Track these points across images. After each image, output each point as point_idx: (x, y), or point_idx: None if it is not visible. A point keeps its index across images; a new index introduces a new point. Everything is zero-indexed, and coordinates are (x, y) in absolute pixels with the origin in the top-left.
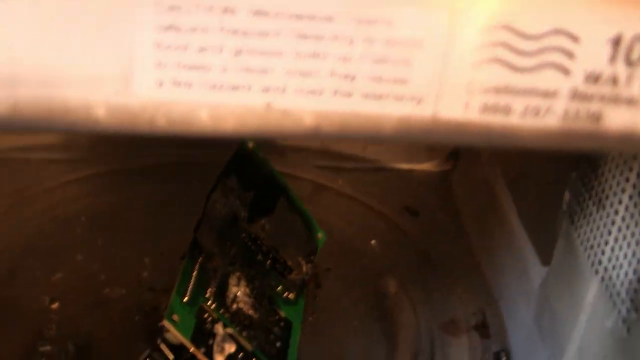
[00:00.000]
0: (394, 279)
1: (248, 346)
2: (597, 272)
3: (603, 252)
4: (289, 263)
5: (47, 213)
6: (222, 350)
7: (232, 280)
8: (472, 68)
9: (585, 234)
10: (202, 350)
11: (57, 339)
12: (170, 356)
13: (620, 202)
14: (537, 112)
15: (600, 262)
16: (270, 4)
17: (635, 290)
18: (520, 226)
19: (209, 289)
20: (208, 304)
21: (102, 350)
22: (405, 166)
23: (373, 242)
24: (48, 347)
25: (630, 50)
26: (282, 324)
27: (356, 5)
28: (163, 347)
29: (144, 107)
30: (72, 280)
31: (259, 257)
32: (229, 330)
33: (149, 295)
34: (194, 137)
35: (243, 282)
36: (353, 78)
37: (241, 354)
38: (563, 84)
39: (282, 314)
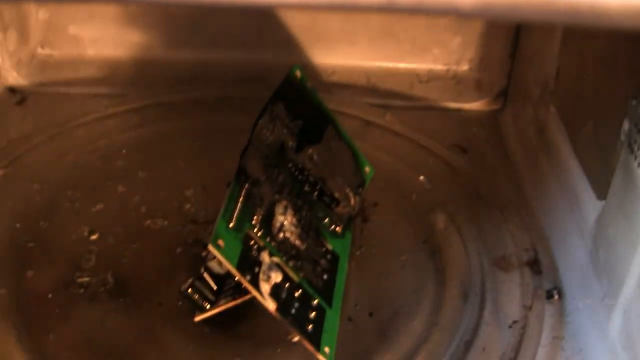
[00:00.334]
0: (443, 214)
1: (295, 277)
2: None
3: None
4: (337, 195)
5: (87, 146)
6: (268, 278)
7: (279, 209)
8: None
9: None
10: (248, 277)
11: (96, 270)
12: (214, 285)
13: None
14: None
15: None
16: None
17: None
18: (575, 161)
19: (255, 217)
20: (254, 231)
21: (142, 282)
22: (453, 105)
23: (422, 178)
24: (86, 278)
25: None
26: (329, 256)
27: None
28: (206, 275)
29: None
30: (113, 212)
31: (306, 188)
32: (275, 259)
33: (191, 227)
34: None
35: (290, 212)
36: None
37: (287, 284)
38: None
39: (329, 246)
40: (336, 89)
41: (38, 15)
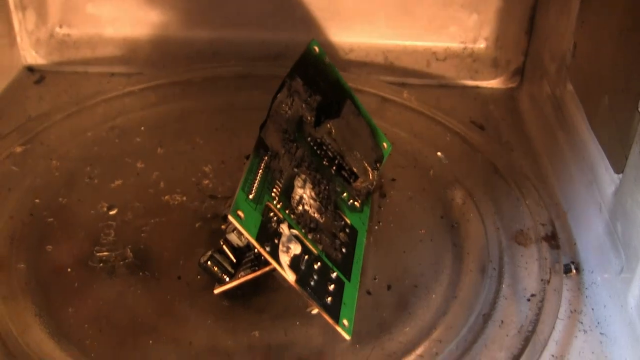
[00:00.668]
0: (461, 189)
1: (314, 249)
2: None
3: None
4: (355, 170)
5: (106, 123)
6: (287, 250)
7: (298, 182)
8: None
9: None
10: (267, 248)
11: (115, 245)
12: (233, 258)
13: None
14: None
15: None
16: None
17: None
18: (591, 135)
19: (275, 189)
20: (274, 203)
21: (161, 257)
22: (470, 82)
23: (439, 154)
24: (105, 253)
25: None
26: (347, 230)
27: None
28: (225, 248)
29: None
30: (131, 188)
31: (325, 162)
32: (295, 231)
33: (209, 202)
34: None
35: (309, 185)
36: None
37: (306, 256)
38: None
39: (348, 220)
40: (354, 67)
41: None
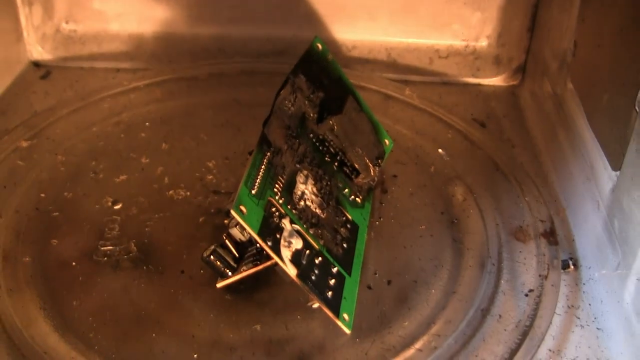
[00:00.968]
0: (461, 186)
1: (315, 244)
2: None
3: None
4: (357, 166)
5: (111, 118)
6: (289, 244)
7: (300, 178)
8: None
9: None
10: (269, 243)
11: (119, 239)
12: (235, 252)
13: None
14: None
15: None
16: None
17: None
18: (590, 133)
19: (277, 185)
20: (276, 198)
21: (165, 251)
22: (472, 80)
23: (440, 150)
24: (110, 247)
25: None
26: (349, 225)
27: None
28: (228, 242)
29: None
30: (136, 183)
31: (327, 158)
32: (296, 226)
33: (213, 197)
34: None
35: (311, 181)
36: None
37: (308, 251)
38: None
39: (349, 216)
40: (357, 64)
41: None
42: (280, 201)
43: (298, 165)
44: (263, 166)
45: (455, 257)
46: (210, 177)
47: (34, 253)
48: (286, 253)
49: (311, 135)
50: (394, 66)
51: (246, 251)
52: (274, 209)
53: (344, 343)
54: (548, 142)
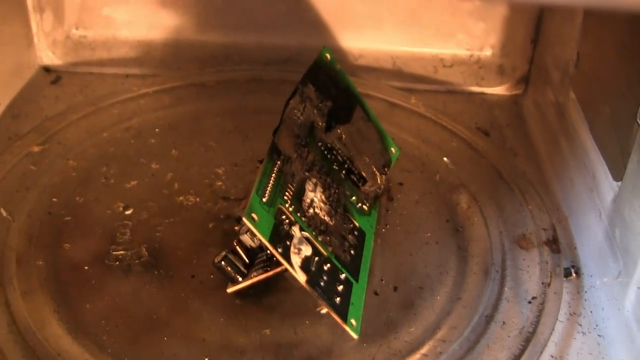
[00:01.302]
0: (466, 194)
1: (324, 251)
2: None
3: None
4: (364, 174)
5: (121, 124)
6: (299, 251)
7: (309, 186)
8: None
9: None
10: (280, 250)
11: (130, 243)
12: (246, 258)
13: None
14: None
15: None
16: None
17: None
18: (592, 144)
19: (287, 193)
20: (286, 206)
21: (175, 255)
22: (476, 89)
23: (445, 159)
24: (122, 252)
25: None
26: (356, 233)
27: None
28: (239, 249)
29: None
30: (146, 188)
31: (335, 166)
32: (306, 233)
33: (222, 204)
34: None
35: (319, 189)
36: None
37: (317, 258)
38: None
39: (356, 223)
40: (363, 72)
41: None
42: (290, 209)
43: (307, 174)
44: (273, 174)
45: (460, 265)
46: (220, 183)
47: (47, 257)
48: (296, 260)
49: (319, 143)
50: (399, 75)
51: (256, 257)
52: (284, 217)
53: (351, 348)
54: (550, 151)
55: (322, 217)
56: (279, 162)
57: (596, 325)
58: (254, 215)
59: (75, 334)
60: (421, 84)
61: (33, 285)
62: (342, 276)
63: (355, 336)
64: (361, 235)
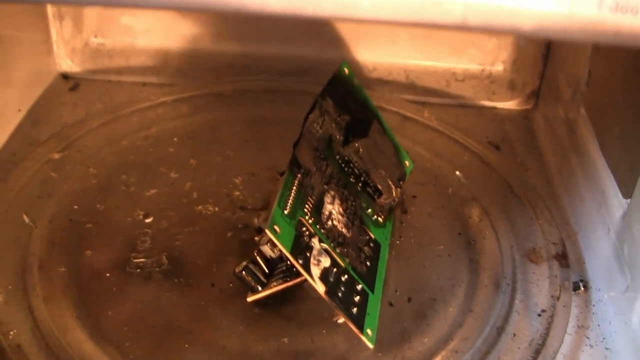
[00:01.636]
0: (477, 207)
1: (342, 262)
2: None
3: None
4: (379, 187)
5: (140, 132)
6: (318, 263)
7: (327, 199)
8: None
9: None
10: (300, 261)
11: (151, 251)
12: (266, 269)
13: None
14: None
15: None
16: None
17: None
18: (602, 160)
19: (307, 205)
20: (306, 218)
21: (195, 264)
22: (487, 103)
23: (458, 172)
24: (142, 259)
25: None
26: (371, 244)
27: None
28: (259, 259)
29: None
30: (166, 197)
31: (352, 179)
32: (325, 245)
33: (240, 213)
34: None
35: (337, 201)
36: None
37: (335, 269)
38: None
39: (372, 235)
40: (376, 85)
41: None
42: (310, 221)
43: (325, 186)
44: (294, 187)
45: (472, 277)
46: (237, 193)
47: (69, 263)
48: (315, 271)
49: (337, 156)
50: (412, 88)
51: (276, 267)
52: (304, 229)
53: (367, 357)
54: (560, 166)
55: (340, 229)
56: (299, 175)
57: (603, 339)
58: (276, 227)
59: (97, 339)
60: (433, 98)
61: (55, 291)
62: (359, 287)
63: (370, 346)
64: (377, 247)
